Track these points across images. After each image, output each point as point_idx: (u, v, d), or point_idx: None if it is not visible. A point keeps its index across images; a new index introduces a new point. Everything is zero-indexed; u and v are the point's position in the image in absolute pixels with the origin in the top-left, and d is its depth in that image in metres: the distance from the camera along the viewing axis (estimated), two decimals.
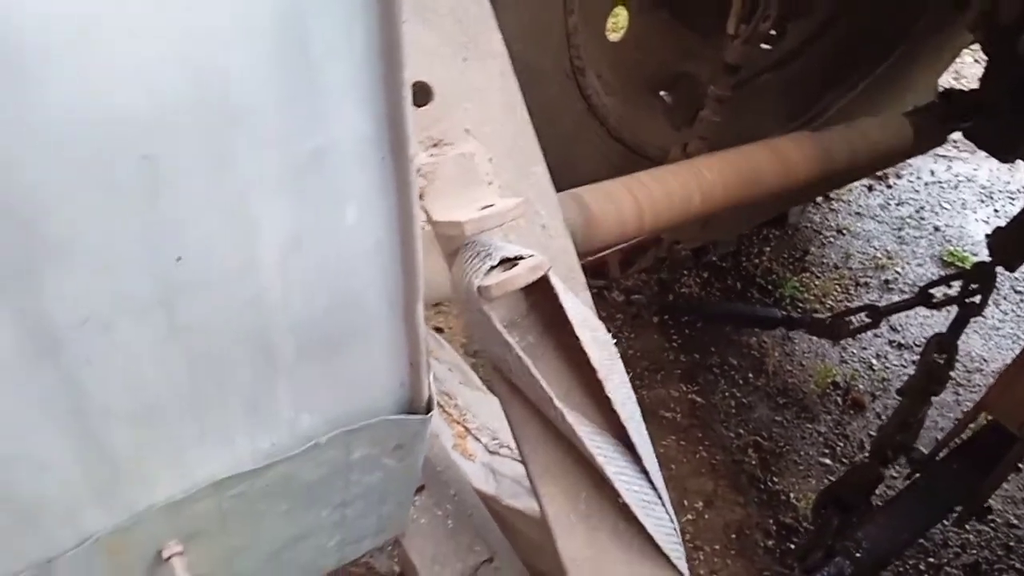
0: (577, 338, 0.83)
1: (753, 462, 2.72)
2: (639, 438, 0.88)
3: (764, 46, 2.08)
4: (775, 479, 2.66)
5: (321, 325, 0.68)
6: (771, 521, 2.54)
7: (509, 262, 0.76)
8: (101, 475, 0.66)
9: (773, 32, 1.89)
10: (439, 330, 2.74)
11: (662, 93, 2.80)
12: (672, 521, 0.93)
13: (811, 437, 2.83)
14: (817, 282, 3.40)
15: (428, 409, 0.81)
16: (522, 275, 0.73)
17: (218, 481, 0.74)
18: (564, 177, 1.01)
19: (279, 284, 0.63)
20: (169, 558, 0.77)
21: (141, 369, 0.61)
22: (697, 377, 3.00)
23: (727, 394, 2.95)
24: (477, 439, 1.40)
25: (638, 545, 0.93)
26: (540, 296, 0.83)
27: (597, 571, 0.91)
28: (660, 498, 0.92)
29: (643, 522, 0.88)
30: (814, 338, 3.14)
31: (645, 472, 0.90)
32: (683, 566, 0.94)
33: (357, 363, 0.75)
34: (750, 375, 3.04)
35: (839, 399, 2.95)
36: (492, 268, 0.75)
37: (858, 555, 1.63)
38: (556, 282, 0.79)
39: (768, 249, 3.51)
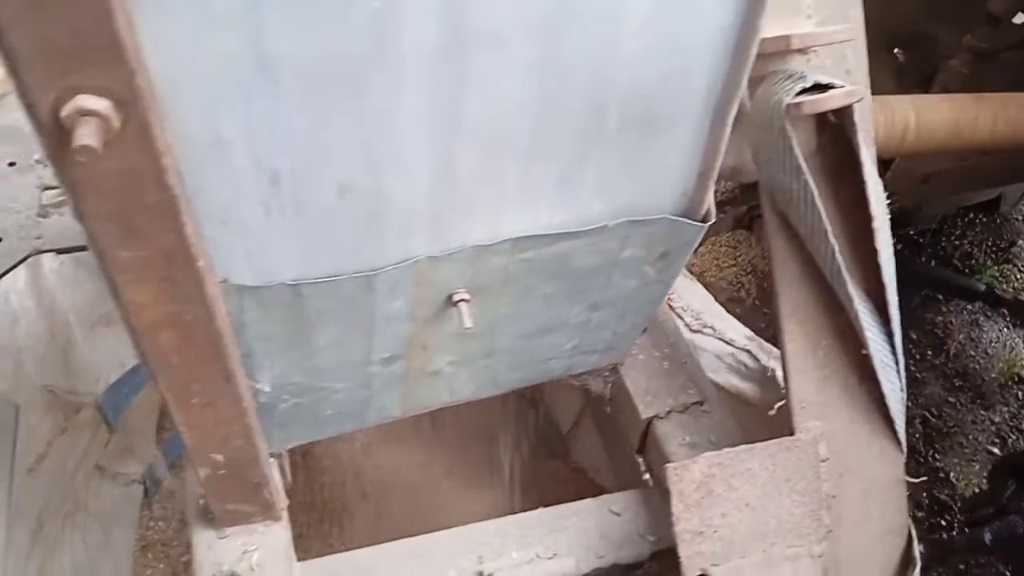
0: (858, 187, 0.86)
1: (917, 435, 2.66)
2: (892, 300, 0.91)
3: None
4: (937, 456, 2.60)
5: (646, 101, 0.74)
6: (924, 495, 2.49)
7: (821, 88, 0.80)
8: (441, 197, 0.76)
9: None
10: None
11: (896, 51, 2.70)
12: (903, 391, 0.96)
13: (983, 424, 2.73)
14: (1020, 275, 3.23)
15: (705, 220, 0.86)
16: (837, 97, 0.77)
17: (516, 239, 0.82)
18: None
19: (631, 46, 0.69)
20: (457, 302, 0.87)
21: (506, 97, 0.69)
22: None
23: None
24: (680, 317, 1.45)
25: (864, 405, 0.97)
26: (832, 137, 0.87)
27: (822, 418, 0.96)
28: (897, 364, 0.94)
29: (880, 379, 0.92)
30: (1005, 329, 3.01)
31: (891, 335, 0.92)
32: (903, 436, 0.97)
33: (656, 155, 0.81)
34: (929, 352, 2.95)
35: (1021, 393, 2.83)
36: (804, 90, 0.79)
37: None
38: (858, 119, 0.82)
39: (972, 233, 3.35)
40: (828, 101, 0.77)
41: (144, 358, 0.74)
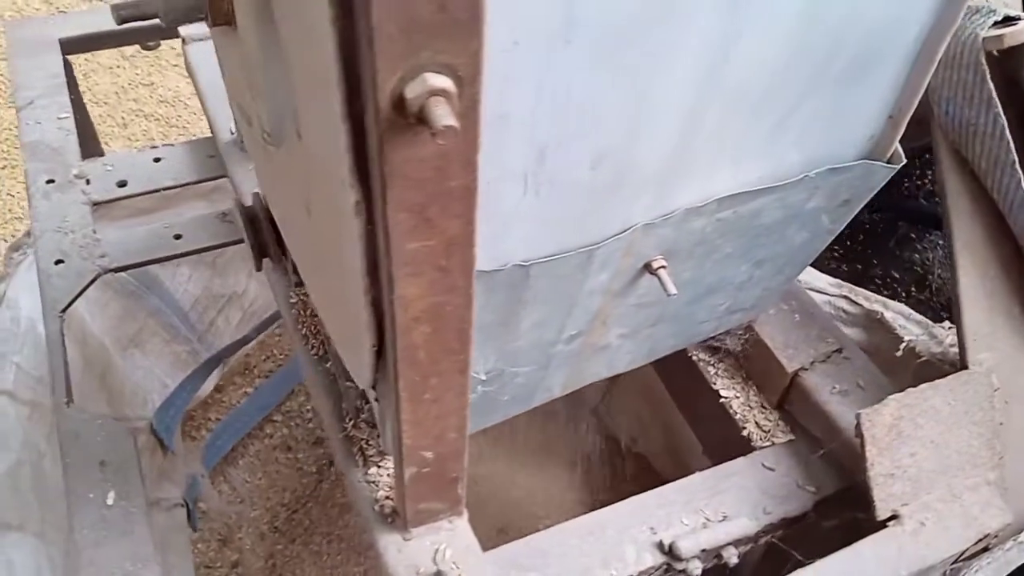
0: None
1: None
2: None
3: None
4: None
5: (870, 39, 0.74)
6: None
7: (1009, 21, 0.81)
8: (675, 160, 0.74)
9: None
10: None
11: None
12: None
13: None
14: None
15: (891, 162, 0.87)
16: None
17: (722, 198, 0.82)
18: None
19: None
20: (657, 269, 0.85)
21: (769, 46, 0.68)
22: (861, 287, 3.02)
23: None
24: None
25: None
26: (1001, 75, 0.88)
27: (990, 348, 0.98)
28: None
29: None
30: None
31: None
32: None
33: (856, 100, 0.81)
34: (913, 289, 3.06)
35: None
36: (996, 23, 0.80)
37: None
38: None
39: (931, 172, 3.48)
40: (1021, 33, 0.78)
41: (393, 357, 0.70)
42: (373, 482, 0.99)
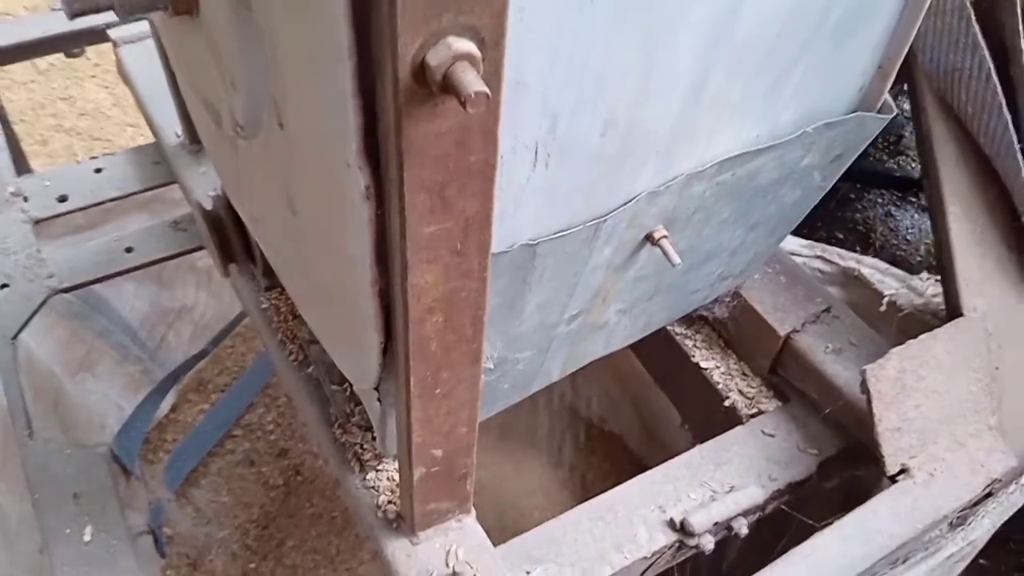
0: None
1: None
2: None
3: None
4: None
5: None
6: None
7: None
8: (681, 124, 0.71)
9: None
10: None
11: None
12: None
13: None
14: (914, 164, 3.45)
15: (882, 112, 0.86)
16: None
17: (722, 161, 0.79)
18: None
19: None
20: (659, 240, 0.82)
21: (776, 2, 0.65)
22: None
23: None
24: None
25: (1015, 276, 1.00)
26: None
27: (982, 294, 0.98)
28: None
29: None
30: (916, 214, 3.23)
31: None
32: None
33: (848, 53, 0.79)
34: (857, 248, 3.11)
35: None
36: None
37: None
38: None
39: None
40: None
41: (403, 351, 0.66)
42: (373, 487, 0.94)
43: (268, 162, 0.76)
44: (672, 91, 0.67)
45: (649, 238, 0.83)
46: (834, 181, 0.94)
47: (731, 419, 1.19)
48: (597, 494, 1.03)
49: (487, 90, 0.45)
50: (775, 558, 1.21)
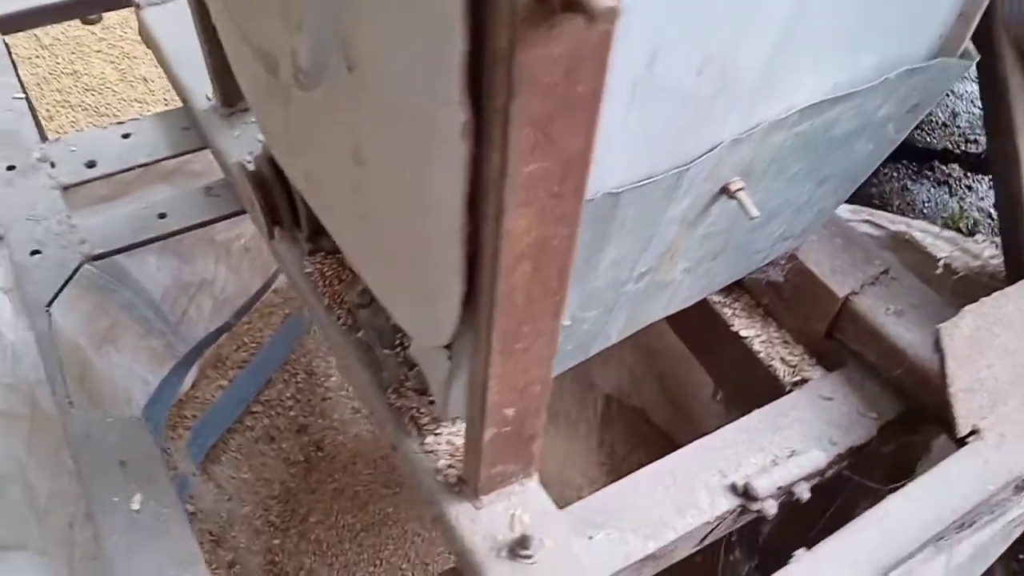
0: None
1: None
2: None
3: None
4: None
5: None
6: None
7: None
8: (770, 65, 0.68)
9: None
10: None
11: None
12: None
13: None
14: (927, 139, 3.42)
15: (964, 58, 0.83)
16: None
17: (803, 109, 0.76)
18: None
19: None
20: (736, 192, 0.80)
21: None
22: None
23: None
24: None
25: None
26: None
27: None
28: None
29: None
30: (932, 188, 3.20)
31: None
32: None
33: None
34: None
35: None
36: None
37: None
38: None
39: None
40: None
41: (488, 303, 0.63)
42: (432, 452, 0.92)
43: (331, 110, 0.73)
44: (769, 27, 0.64)
45: (725, 190, 0.80)
46: (905, 134, 0.91)
47: (773, 388, 1.16)
48: (627, 466, 1.01)
49: (618, 3, 0.42)
50: (822, 523, 1.20)
